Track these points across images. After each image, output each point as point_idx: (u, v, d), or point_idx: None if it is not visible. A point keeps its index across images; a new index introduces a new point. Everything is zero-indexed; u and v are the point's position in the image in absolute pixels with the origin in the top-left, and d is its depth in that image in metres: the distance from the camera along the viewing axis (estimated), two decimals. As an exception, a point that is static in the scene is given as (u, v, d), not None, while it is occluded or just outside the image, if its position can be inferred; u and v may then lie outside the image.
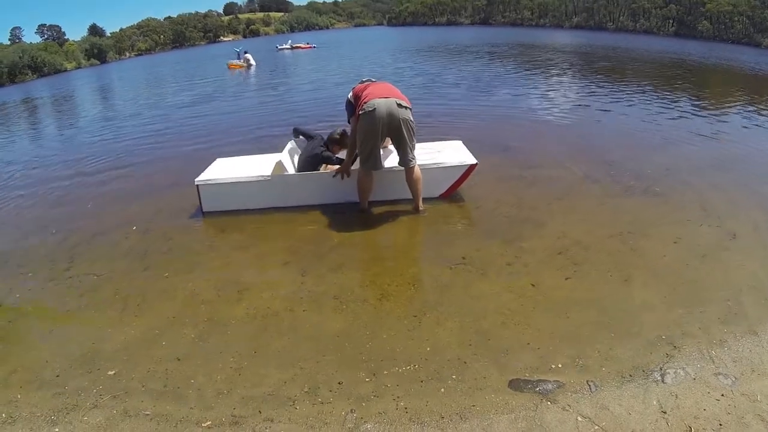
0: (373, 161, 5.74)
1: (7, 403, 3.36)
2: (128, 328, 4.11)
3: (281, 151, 6.86)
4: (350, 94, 5.94)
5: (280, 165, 6.48)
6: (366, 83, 5.95)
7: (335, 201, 6.33)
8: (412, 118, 5.67)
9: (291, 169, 6.62)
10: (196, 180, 6.39)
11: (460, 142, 7.10)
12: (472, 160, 6.36)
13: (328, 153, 6.42)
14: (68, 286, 4.92)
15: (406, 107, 5.59)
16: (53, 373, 3.63)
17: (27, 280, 5.14)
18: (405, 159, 5.76)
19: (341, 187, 6.21)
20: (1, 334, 4.25)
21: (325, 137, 6.58)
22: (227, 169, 6.75)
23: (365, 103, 5.52)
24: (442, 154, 6.60)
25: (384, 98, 5.53)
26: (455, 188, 6.43)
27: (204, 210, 6.46)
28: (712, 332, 3.62)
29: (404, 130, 5.59)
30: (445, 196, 6.39)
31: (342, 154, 6.34)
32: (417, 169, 5.85)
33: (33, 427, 3.14)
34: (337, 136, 6.50)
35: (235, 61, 31.62)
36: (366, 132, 5.58)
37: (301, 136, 6.93)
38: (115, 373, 3.56)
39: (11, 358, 3.88)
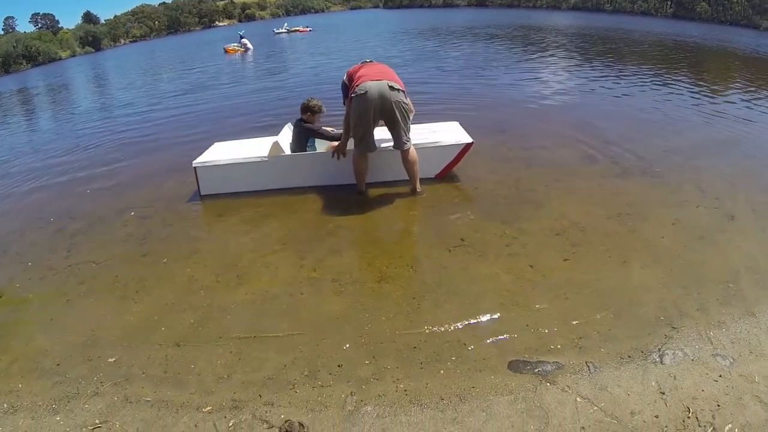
0: (366, 143, 5.72)
1: (8, 392, 3.38)
2: (128, 315, 4.11)
3: (278, 135, 6.80)
4: (345, 76, 5.90)
5: (276, 146, 6.38)
6: (360, 65, 5.91)
7: (332, 182, 6.35)
8: (405, 100, 5.64)
9: (287, 151, 6.54)
10: (193, 162, 6.44)
11: (457, 123, 7.09)
12: (468, 139, 6.38)
13: (308, 125, 6.42)
14: (67, 274, 4.92)
15: (398, 89, 5.56)
16: (54, 362, 3.64)
17: (27, 269, 5.13)
18: (399, 141, 5.74)
19: (338, 167, 6.21)
20: (1, 324, 4.26)
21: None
22: (225, 152, 6.75)
23: (357, 86, 5.51)
24: (438, 134, 6.61)
25: (376, 81, 5.50)
26: (451, 168, 6.47)
27: (201, 193, 6.49)
28: (711, 313, 3.64)
29: (397, 112, 5.56)
30: (441, 176, 6.43)
31: (321, 126, 6.54)
32: (413, 151, 5.83)
33: (34, 416, 3.15)
34: (306, 103, 6.42)
35: (233, 45, 31.44)
36: (359, 115, 5.56)
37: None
38: (115, 360, 3.57)
39: (12, 348, 3.89)
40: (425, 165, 6.06)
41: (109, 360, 3.58)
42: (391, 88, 5.50)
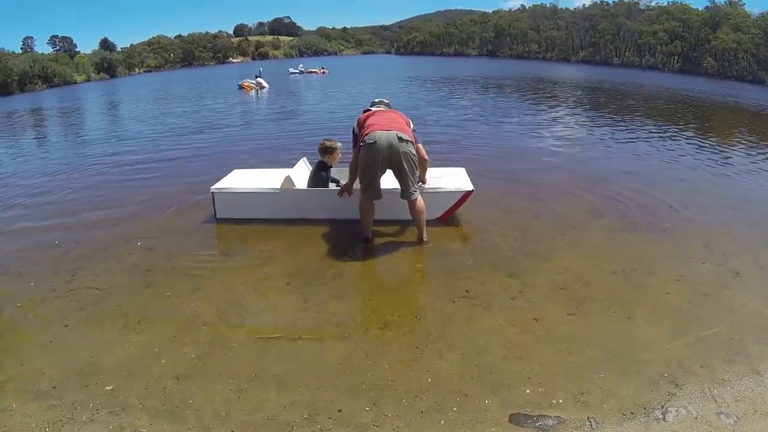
0: (372, 191, 5.77)
1: (1, 411, 3.34)
2: (128, 344, 4.08)
3: (293, 167, 7.31)
4: (355, 124, 5.96)
5: (288, 180, 6.73)
6: (369, 112, 6.00)
7: (339, 217, 6.60)
8: (413, 151, 5.68)
9: (299, 184, 6.93)
10: (211, 188, 6.86)
11: (463, 169, 7.29)
12: (469, 187, 6.61)
13: (320, 174, 6.85)
14: (69, 298, 4.90)
15: (407, 140, 5.61)
16: (50, 385, 3.61)
17: (28, 289, 5.12)
18: (406, 192, 5.78)
19: (344, 204, 6.38)
20: (-1, 342, 4.23)
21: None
22: (242, 180, 7.20)
23: (366, 135, 5.57)
24: (441, 179, 6.82)
25: (385, 131, 5.55)
26: (452, 212, 6.70)
27: (217, 216, 6.87)
28: (715, 371, 3.61)
29: (404, 163, 5.60)
30: (443, 219, 6.63)
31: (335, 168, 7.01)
32: (420, 201, 5.85)
33: (26, 438, 3.10)
34: (322, 145, 6.83)
35: (248, 82, 31.87)
36: (367, 164, 5.62)
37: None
38: (112, 389, 3.53)
39: (8, 367, 3.86)
40: (428, 208, 6.07)
41: (107, 388, 3.54)
42: (400, 139, 5.54)
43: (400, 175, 5.72)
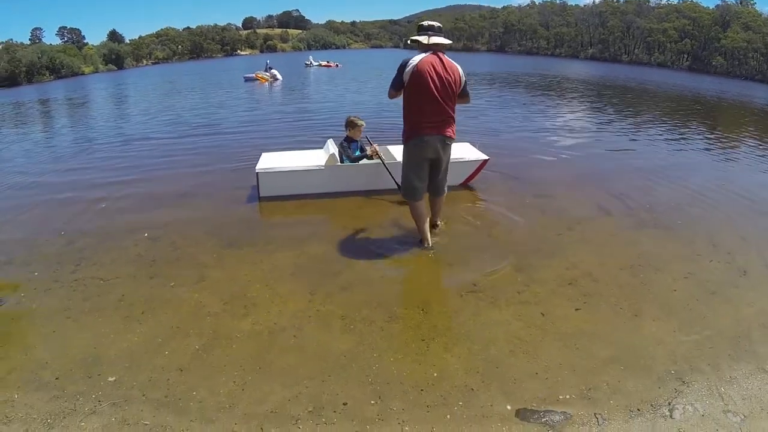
0: (420, 191, 5.57)
1: (3, 402, 3.34)
2: (131, 335, 4.07)
3: (322, 147, 8.20)
4: (407, 75, 5.18)
5: (333, 157, 7.40)
6: (424, 57, 5.20)
7: (376, 187, 7.44)
8: (451, 153, 5.64)
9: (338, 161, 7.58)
10: (256, 168, 7.37)
11: (468, 144, 8.54)
12: (485, 156, 7.95)
13: (346, 147, 7.47)
14: (73, 288, 4.89)
15: (451, 142, 5.48)
16: (53, 375, 3.60)
17: (32, 279, 5.12)
18: (440, 190, 5.83)
19: (380, 176, 7.20)
20: (2, 332, 4.23)
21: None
22: (277, 161, 7.75)
23: (418, 134, 5.29)
24: (458, 152, 7.65)
25: (437, 135, 5.30)
26: (471, 179, 7.99)
27: (261, 195, 7.43)
28: (722, 369, 3.61)
29: (444, 165, 5.60)
30: (464, 184, 7.93)
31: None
32: (445, 195, 5.95)
33: (28, 429, 3.11)
34: (349, 119, 7.46)
35: (262, 74, 31.88)
36: (415, 162, 5.47)
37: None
38: (115, 380, 3.53)
39: (11, 357, 3.85)
40: (452, 176, 6.29)
41: (110, 379, 3.54)
42: (445, 143, 5.39)
43: (437, 175, 5.64)
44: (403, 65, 5.23)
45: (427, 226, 5.71)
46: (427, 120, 5.25)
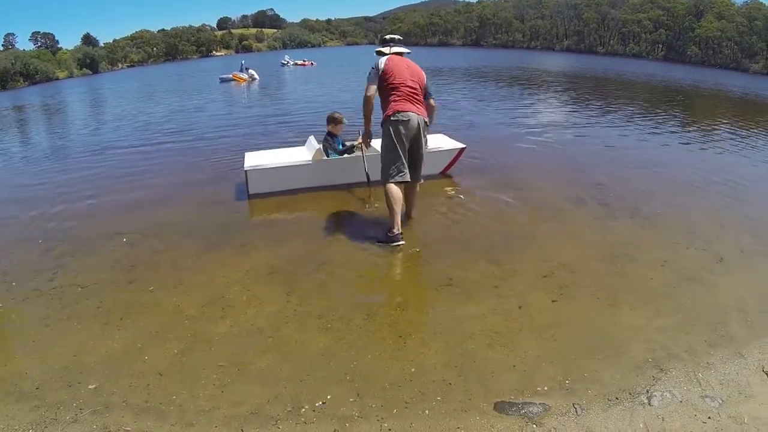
0: (402, 171, 5.65)
1: (-16, 414, 3.30)
2: (111, 341, 4.04)
3: (304, 145, 8.28)
4: (381, 64, 5.79)
5: (319, 151, 7.55)
6: (390, 58, 5.88)
7: (363, 179, 7.34)
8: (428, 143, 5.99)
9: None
10: (244, 167, 7.38)
11: (442, 135, 8.82)
12: (462, 145, 8.24)
13: (329, 141, 7.66)
14: (52, 296, 4.83)
15: (427, 127, 5.81)
16: (33, 385, 3.56)
17: (10, 289, 5.05)
18: (417, 175, 5.94)
19: (371, 166, 7.08)
20: (-19, 343, 4.17)
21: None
22: (262, 159, 7.76)
23: (399, 111, 5.57)
24: (435, 142, 8.01)
25: (416, 114, 5.61)
26: (449, 167, 8.28)
27: (250, 193, 7.46)
28: (699, 355, 3.67)
29: (422, 149, 5.79)
30: (443, 173, 8.22)
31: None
32: (419, 184, 6.10)
33: (9, 441, 3.07)
34: (331, 115, 7.67)
35: (239, 74, 31.70)
36: (397, 140, 5.58)
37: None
38: (96, 387, 3.50)
39: (-9, 369, 3.80)
40: (430, 166, 6.69)
41: (90, 387, 3.51)
42: (426, 125, 5.75)
43: (415, 159, 5.81)
44: (376, 63, 5.86)
45: (400, 210, 5.68)
46: (405, 97, 5.66)
